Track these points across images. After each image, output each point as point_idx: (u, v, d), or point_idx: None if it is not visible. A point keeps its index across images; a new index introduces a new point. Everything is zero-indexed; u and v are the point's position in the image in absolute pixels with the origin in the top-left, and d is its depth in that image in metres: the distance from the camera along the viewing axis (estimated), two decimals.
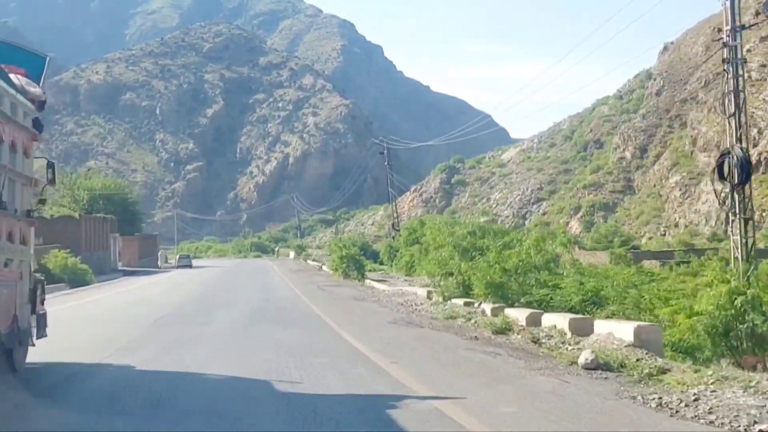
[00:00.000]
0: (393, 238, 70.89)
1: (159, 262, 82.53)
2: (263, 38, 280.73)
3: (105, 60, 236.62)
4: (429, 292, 28.66)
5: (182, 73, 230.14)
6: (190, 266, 74.80)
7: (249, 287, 40.95)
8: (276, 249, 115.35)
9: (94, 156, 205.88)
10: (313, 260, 77.55)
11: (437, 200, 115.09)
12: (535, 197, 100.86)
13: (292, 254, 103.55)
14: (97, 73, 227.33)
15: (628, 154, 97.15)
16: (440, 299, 26.20)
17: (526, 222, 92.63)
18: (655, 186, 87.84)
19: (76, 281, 44.67)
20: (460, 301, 23.68)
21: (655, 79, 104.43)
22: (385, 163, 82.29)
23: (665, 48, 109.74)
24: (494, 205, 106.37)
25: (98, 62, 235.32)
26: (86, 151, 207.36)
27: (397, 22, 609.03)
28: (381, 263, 63.42)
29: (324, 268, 64.20)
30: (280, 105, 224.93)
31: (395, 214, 79.05)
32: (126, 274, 63.07)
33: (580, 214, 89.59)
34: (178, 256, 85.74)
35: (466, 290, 25.76)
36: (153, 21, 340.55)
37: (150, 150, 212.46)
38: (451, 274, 27.36)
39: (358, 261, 48.23)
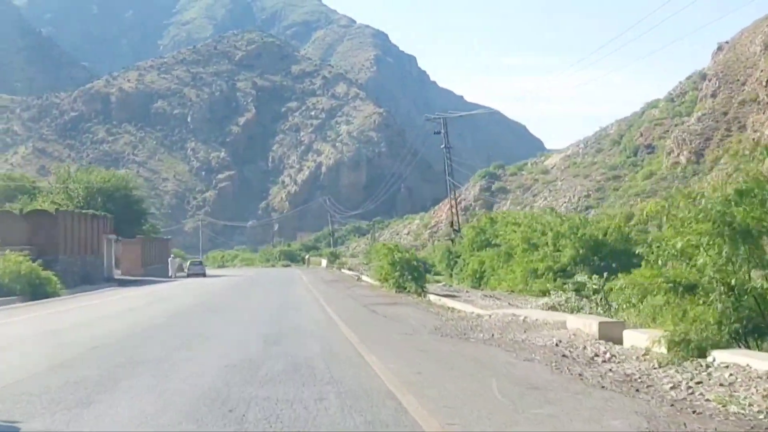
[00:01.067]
0: (452, 240, 58.19)
1: (170, 271, 69.40)
2: (296, 47, 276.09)
3: (137, 68, 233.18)
4: (600, 325, 15.25)
5: (214, 81, 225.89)
6: (203, 275, 65.78)
7: (259, 305, 29.05)
8: (306, 257, 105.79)
9: (125, 164, 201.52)
10: (349, 269, 68.83)
11: (477, 208, 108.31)
12: (582, 205, 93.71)
13: (324, 263, 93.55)
14: (129, 81, 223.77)
15: (683, 159, 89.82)
16: (669, 348, 12.13)
17: None
18: (714, 192, 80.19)
19: (36, 292, 34.96)
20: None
21: (709, 80, 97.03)
22: (442, 146, 66.94)
23: (719, 48, 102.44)
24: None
25: (130, 70, 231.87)
26: (117, 159, 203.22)
27: (431, 32, 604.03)
28: (435, 273, 51.09)
29: (364, 278, 53.41)
30: (313, 113, 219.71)
31: (455, 210, 66.07)
32: (122, 284, 52.35)
33: (633, 222, 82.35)
34: (189, 264, 73.81)
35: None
36: (187, 31, 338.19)
37: (181, 158, 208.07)
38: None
39: (415, 268, 35.60)
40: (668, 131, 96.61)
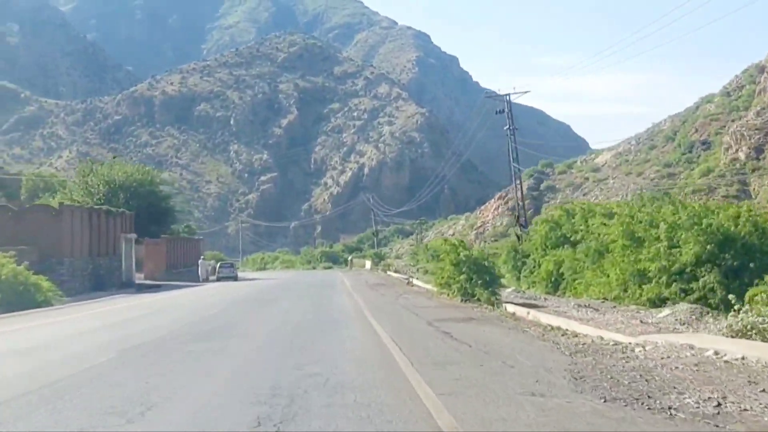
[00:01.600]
0: (518, 238, 48.53)
1: (200, 274, 62.90)
2: (338, 49, 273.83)
3: (180, 71, 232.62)
4: None
5: (257, 84, 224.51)
6: (234, 278, 60.06)
7: (281, 323, 20.81)
8: (349, 258, 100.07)
9: (168, 167, 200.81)
10: (395, 271, 62.34)
11: (525, 207, 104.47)
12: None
13: (368, 264, 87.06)
14: (172, 85, 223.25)
15: (742, 155, 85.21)
16: None
17: None
18: None
19: (21, 301, 28.70)
20: None
21: None
22: (506, 128, 55.93)
23: None
24: None
25: (173, 73, 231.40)
26: (160, 162, 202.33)
27: (473, 32, 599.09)
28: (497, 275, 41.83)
29: (415, 281, 46.03)
30: (355, 114, 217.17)
31: (521, 202, 54.84)
32: (141, 289, 46.56)
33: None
34: (219, 266, 66.28)
35: None
36: (230, 35, 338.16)
37: (224, 161, 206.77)
38: None
39: (486, 270, 28.34)
40: (725, 126, 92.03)
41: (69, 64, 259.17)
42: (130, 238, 52.17)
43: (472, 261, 28.42)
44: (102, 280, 44.18)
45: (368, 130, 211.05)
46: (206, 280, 60.04)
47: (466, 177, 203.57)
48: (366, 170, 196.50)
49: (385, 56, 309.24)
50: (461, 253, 29.06)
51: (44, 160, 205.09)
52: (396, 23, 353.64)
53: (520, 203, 50.85)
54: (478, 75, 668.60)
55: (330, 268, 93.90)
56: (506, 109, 43.56)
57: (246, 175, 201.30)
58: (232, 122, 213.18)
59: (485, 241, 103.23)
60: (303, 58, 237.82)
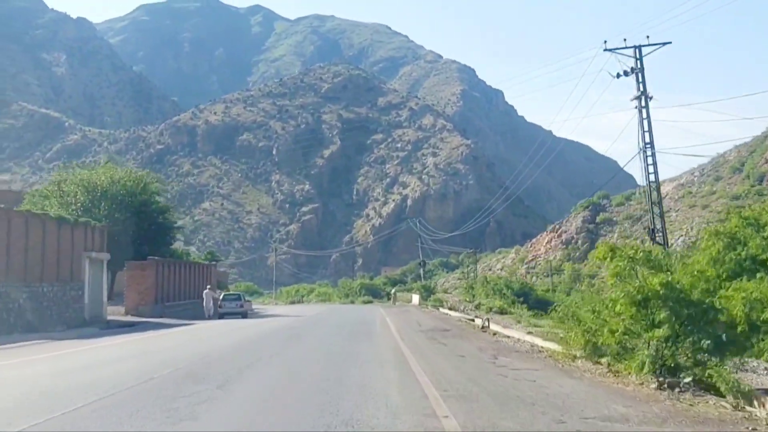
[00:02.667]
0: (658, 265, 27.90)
1: (205, 309, 46.71)
2: (383, 80, 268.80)
3: (223, 101, 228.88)
4: None
5: (300, 114, 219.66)
6: (242, 315, 45.99)
7: None
8: (392, 291, 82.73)
9: (210, 197, 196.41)
10: (450, 308, 49.62)
11: (579, 241, 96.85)
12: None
13: (414, 298, 72.98)
14: (215, 114, 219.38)
15: None
16: None
17: None
18: None
19: None
20: None
21: None
22: (631, 99, 42.96)
23: None
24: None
25: (216, 103, 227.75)
26: (201, 192, 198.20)
27: (517, 67, 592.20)
28: None
29: (483, 321, 31.54)
30: (399, 145, 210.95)
31: (656, 210, 31.49)
32: (112, 327, 34.14)
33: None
34: (222, 298, 49.26)
35: None
36: (276, 68, 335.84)
37: (265, 191, 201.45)
38: None
39: (712, 320, 13.49)
40: None
41: (115, 94, 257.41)
42: (99, 258, 38.02)
43: (679, 298, 13.50)
44: (48, 315, 31.55)
45: (412, 161, 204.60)
46: (214, 315, 46.23)
47: (512, 210, 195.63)
48: (409, 202, 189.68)
49: (429, 89, 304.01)
50: (656, 281, 13.63)
51: None
52: (441, 57, 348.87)
53: (656, 212, 33.90)
54: (523, 110, 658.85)
55: (370, 302, 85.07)
56: (636, 66, 30.16)
57: (287, 205, 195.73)
58: (274, 152, 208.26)
59: (537, 277, 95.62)
60: (347, 88, 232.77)
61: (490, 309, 42.48)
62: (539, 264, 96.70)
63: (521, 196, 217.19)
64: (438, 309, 50.23)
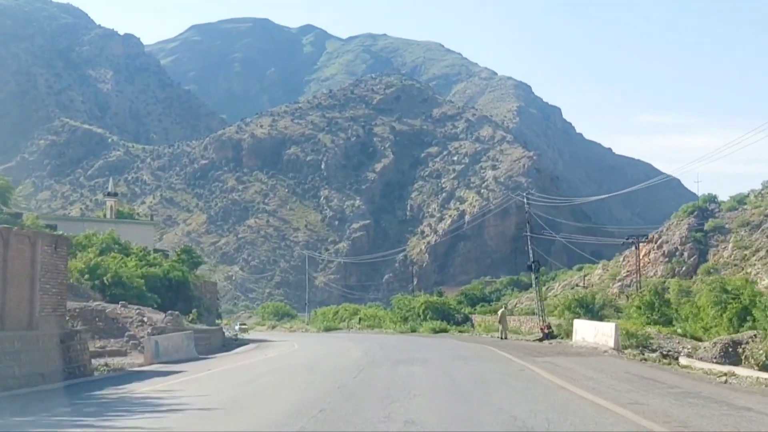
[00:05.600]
0: None
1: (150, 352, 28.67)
2: (438, 91, 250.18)
3: (270, 113, 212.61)
4: None
5: (350, 126, 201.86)
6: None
7: None
8: (500, 311, 49.19)
9: (255, 214, 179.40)
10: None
11: (686, 253, 76.81)
12: None
13: (587, 332, 36.34)
14: (261, 127, 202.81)
15: None
16: None
17: None
18: None
19: None
20: None
21: None
22: None
23: None
24: None
25: (263, 116, 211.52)
26: (246, 208, 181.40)
27: (576, 84, 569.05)
28: None
29: None
30: (455, 158, 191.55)
31: None
32: None
33: None
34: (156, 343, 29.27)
35: None
36: (327, 87, 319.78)
37: (313, 207, 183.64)
38: None
39: None
40: None
41: (162, 110, 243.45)
42: None
43: None
44: None
45: (469, 174, 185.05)
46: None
47: (579, 228, 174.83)
48: (467, 218, 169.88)
49: (484, 106, 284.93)
50: None
51: (126, 206, 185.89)
52: (496, 73, 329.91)
53: None
54: (581, 126, 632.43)
55: (442, 330, 57.52)
56: None
57: (336, 222, 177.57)
58: (323, 166, 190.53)
59: (630, 294, 75.11)
60: (400, 99, 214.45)
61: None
62: (634, 281, 75.97)
63: (587, 212, 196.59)
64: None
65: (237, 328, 67.70)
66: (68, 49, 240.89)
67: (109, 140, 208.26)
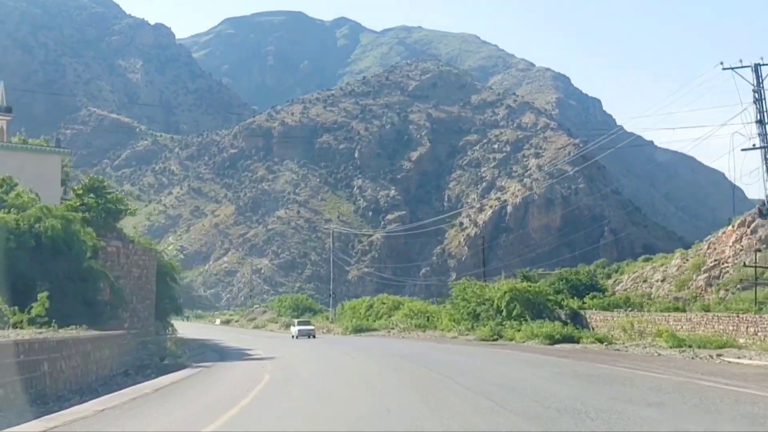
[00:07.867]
0: None
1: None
2: (476, 78, 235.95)
3: (301, 101, 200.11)
4: None
5: (384, 113, 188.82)
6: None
7: None
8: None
9: (285, 204, 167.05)
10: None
11: None
12: None
13: None
14: (293, 115, 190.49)
15: None
16: None
17: None
18: None
19: None
20: None
21: None
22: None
23: None
24: None
25: (294, 104, 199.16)
26: (276, 199, 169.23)
27: (617, 76, 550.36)
28: None
29: None
30: (496, 146, 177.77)
31: None
32: None
33: None
34: None
35: None
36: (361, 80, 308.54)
37: (346, 198, 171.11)
38: None
39: None
40: None
41: (192, 101, 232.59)
42: None
43: None
44: None
45: (511, 163, 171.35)
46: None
47: (629, 219, 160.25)
48: (509, 208, 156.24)
49: (522, 98, 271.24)
50: None
51: (153, 197, 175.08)
52: (533, 65, 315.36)
53: None
54: (622, 119, 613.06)
55: (565, 340, 36.62)
56: None
57: (371, 213, 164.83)
58: (356, 155, 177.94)
59: (728, 290, 61.10)
60: (437, 86, 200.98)
61: None
62: (726, 272, 61.96)
63: (638, 204, 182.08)
64: None
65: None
66: (98, 39, 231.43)
67: (137, 130, 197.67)
